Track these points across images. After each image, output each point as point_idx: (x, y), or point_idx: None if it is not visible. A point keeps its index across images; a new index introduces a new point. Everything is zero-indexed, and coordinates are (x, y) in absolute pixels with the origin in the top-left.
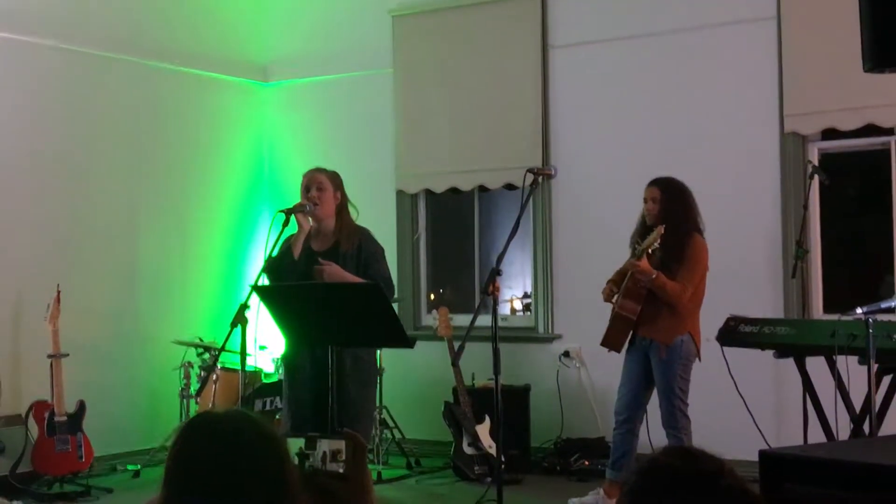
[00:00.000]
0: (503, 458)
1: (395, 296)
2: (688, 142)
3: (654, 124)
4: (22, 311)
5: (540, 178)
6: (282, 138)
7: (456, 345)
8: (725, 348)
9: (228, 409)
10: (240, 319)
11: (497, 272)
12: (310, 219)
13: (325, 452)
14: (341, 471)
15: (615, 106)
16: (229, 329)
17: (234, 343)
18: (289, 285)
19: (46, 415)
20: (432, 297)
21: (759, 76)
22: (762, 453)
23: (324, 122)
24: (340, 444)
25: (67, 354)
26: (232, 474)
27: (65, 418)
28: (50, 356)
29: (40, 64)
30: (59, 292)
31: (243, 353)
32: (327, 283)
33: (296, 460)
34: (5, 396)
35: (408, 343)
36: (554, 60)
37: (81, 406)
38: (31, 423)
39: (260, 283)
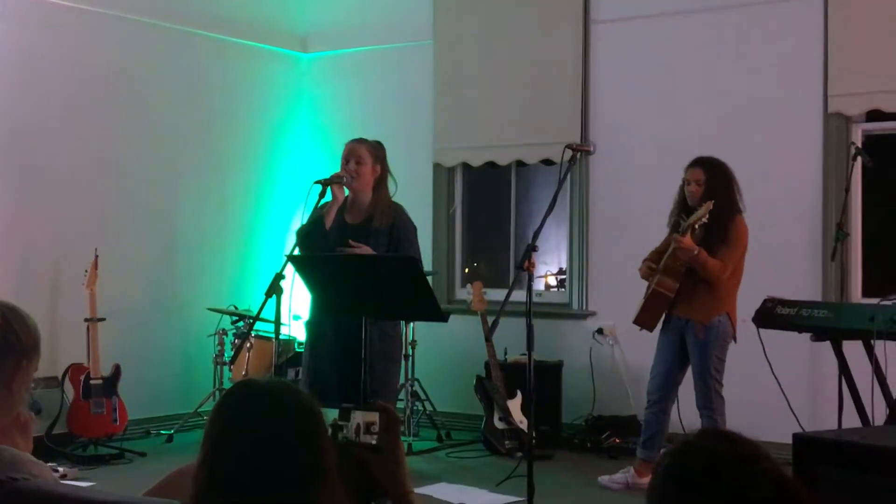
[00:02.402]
0: (534, 434)
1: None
2: (729, 121)
3: (695, 102)
4: (60, 275)
5: (578, 155)
6: (321, 109)
7: (490, 319)
8: (762, 330)
9: (269, 377)
10: (275, 289)
11: (533, 248)
12: (346, 190)
13: (358, 424)
14: (374, 443)
15: (656, 83)
16: (264, 298)
17: (269, 312)
18: (325, 256)
19: (82, 378)
20: (467, 270)
21: (803, 56)
22: (796, 436)
23: (362, 93)
24: (374, 417)
25: (104, 319)
26: (270, 441)
27: (100, 381)
28: (87, 320)
29: (82, 30)
30: (96, 257)
31: (277, 323)
32: (364, 255)
33: (330, 431)
34: (43, 358)
35: (441, 317)
36: (596, 35)
37: (117, 370)
38: (68, 385)
39: (296, 253)
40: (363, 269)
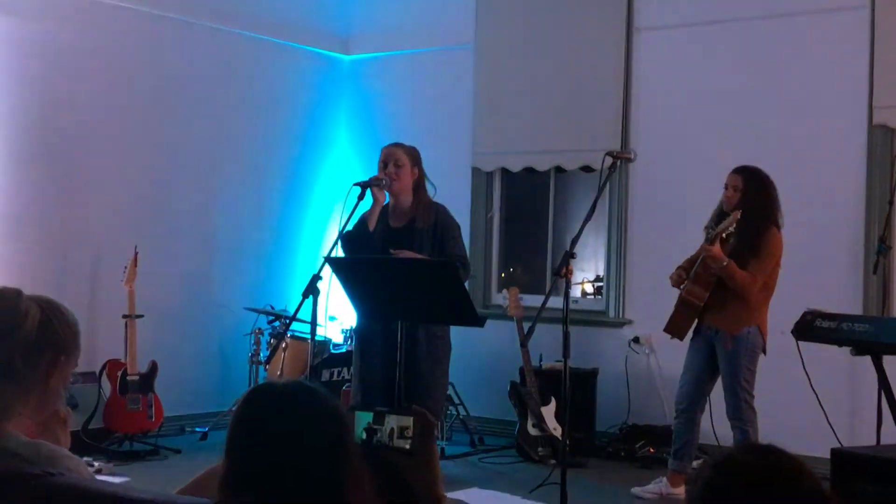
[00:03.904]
0: (568, 442)
1: (472, 273)
2: (771, 131)
3: (737, 112)
4: (100, 271)
5: (618, 162)
6: (360, 111)
7: (525, 326)
8: (801, 343)
9: (291, 378)
10: (312, 290)
11: (571, 255)
12: (386, 193)
13: (392, 428)
14: (408, 447)
15: (698, 92)
16: (301, 299)
17: (306, 313)
18: (362, 258)
19: (119, 374)
20: (504, 275)
21: (848, 66)
22: (834, 451)
23: (403, 96)
24: (408, 421)
25: (142, 315)
26: (291, 442)
27: (137, 377)
28: (125, 317)
29: (127, 28)
30: (136, 254)
31: (314, 324)
32: (401, 259)
33: (364, 435)
34: (81, 354)
35: (478, 322)
36: (638, 43)
37: (153, 366)
38: (105, 381)
39: (334, 255)
40: (399, 272)
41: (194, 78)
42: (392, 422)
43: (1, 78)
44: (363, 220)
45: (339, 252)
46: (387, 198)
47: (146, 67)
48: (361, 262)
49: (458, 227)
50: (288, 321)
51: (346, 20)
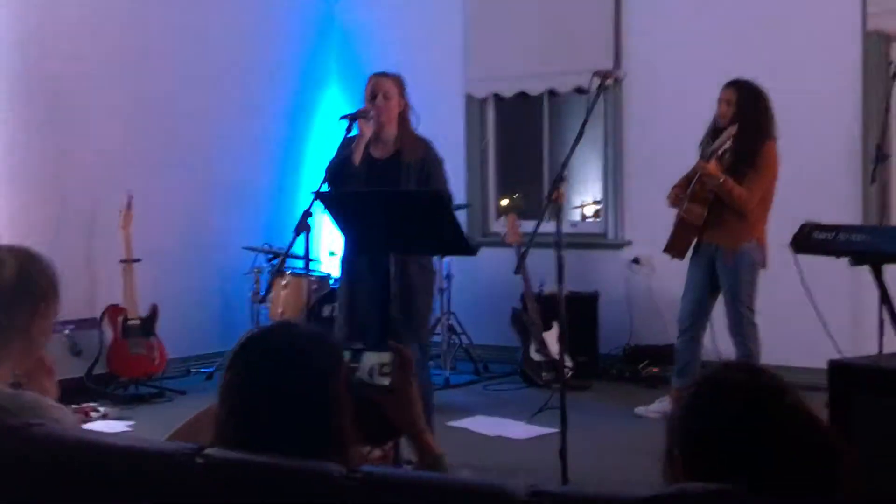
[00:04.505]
0: (570, 366)
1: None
2: (765, 41)
3: (729, 23)
4: (96, 216)
5: (608, 82)
6: (352, 42)
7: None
8: (800, 256)
9: (284, 320)
10: (303, 227)
11: (560, 179)
12: (371, 124)
13: (371, 366)
14: (387, 383)
15: (689, 5)
16: (293, 235)
17: (302, 249)
18: (350, 192)
19: (120, 319)
20: (506, 202)
21: None
22: (831, 363)
23: (393, 24)
24: (387, 357)
25: (139, 260)
26: (285, 385)
27: (138, 322)
28: (122, 261)
29: None
30: (130, 199)
31: (307, 260)
32: (389, 190)
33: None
34: (81, 300)
35: (470, 251)
36: None
37: (154, 310)
38: (106, 327)
39: (323, 190)
40: (389, 204)
41: (184, 19)
42: (370, 359)
43: None
44: (348, 154)
45: (326, 186)
46: (371, 129)
47: (135, 15)
48: (349, 196)
49: (443, 163)
50: (281, 258)
51: None
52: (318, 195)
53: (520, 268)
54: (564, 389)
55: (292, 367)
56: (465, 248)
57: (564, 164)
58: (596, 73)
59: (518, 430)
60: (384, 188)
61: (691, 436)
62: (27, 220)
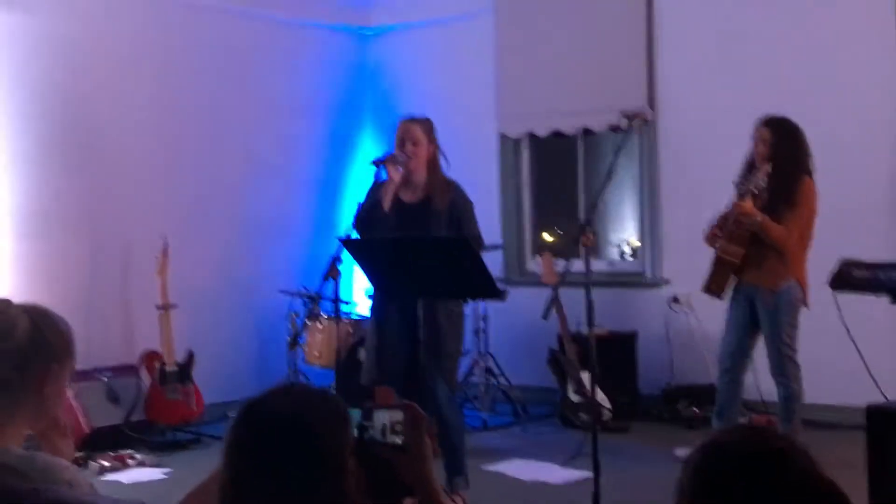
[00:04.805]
0: (608, 407)
1: (485, 249)
2: (802, 76)
3: (765, 58)
4: (131, 262)
5: (635, 122)
6: (385, 84)
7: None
8: (839, 294)
9: (285, 384)
10: (332, 272)
11: (587, 222)
12: (400, 170)
13: (384, 424)
14: (400, 442)
15: (724, 40)
16: (321, 281)
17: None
18: (375, 239)
19: (157, 365)
20: (548, 236)
21: (879, 2)
22: (869, 407)
23: (426, 66)
24: (399, 416)
25: (176, 305)
26: (287, 454)
27: (175, 368)
28: (159, 307)
29: (145, 17)
30: (166, 244)
31: (336, 306)
32: (415, 236)
33: (356, 432)
34: (118, 347)
35: (498, 295)
36: None
37: (190, 355)
38: (143, 373)
39: (350, 236)
40: (415, 250)
41: (219, 63)
42: (383, 417)
43: (25, 74)
44: (377, 199)
45: (355, 233)
46: (400, 175)
47: (170, 56)
48: (375, 243)
49: (472, 206)
50: (311, 302)
51: None
52: (345, 242)
53: (547, 313)
54: (597, 433)
55: (294, 433)
56: (493, 292)
57: (591, 208)
58: (624, 114)
59: (555, 474)
60: (410, 234)
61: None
62: (63, 264)
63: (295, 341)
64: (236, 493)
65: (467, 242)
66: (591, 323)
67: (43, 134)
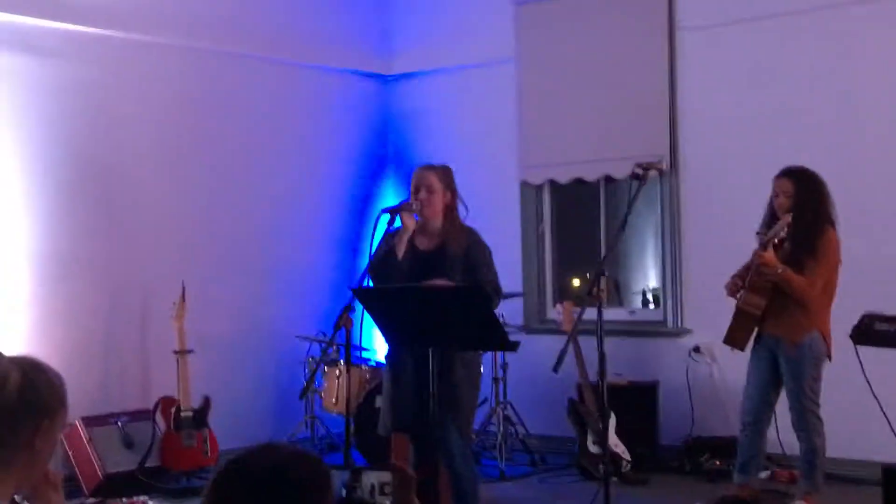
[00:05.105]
0: (627, 458)
1: (502, 297)
2: (823, 128)
3: (787, 110)
4: (149, 307)
5: (651, 173)
6: (406, 130)
7: (583, 341)
8: (860, 347)
9: (267, 444)
10: (343, 321)
11: (600, 273)
12: (416, 217)
13: (372, 485)
14: (388, 503)
15: (747, 91)
16: (333, 330)
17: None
18: (386, 288)
19: (173, 410)
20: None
21: None
22: (885, 467)
23: (447, 112)
24: (387, 477)
25: (192, 351)
26: None
27: (190, 414)
28: (176, 352)
29: (166, 62)
30: (184, 290)
31: (348, 354)
32: (427, 286)
33: (343, 493)
34: (134, 392)
35: (510, 346)
36: (682, 43)
37: (206, 401)
38: (159, 418)
39: (362, 285)
40: (424, 300)
41: (237, 108)
42: (371, 478)
43: (42, 119)
44: (390, 247)
45: (368, 280)
46: (415, 222)
47: (191, 101)
48: (386, 292)
49: (490, 252)
50: (325, 349)
51: (388, 39)
52: (355, 291)
53: (558, 366)
54: (608, 485)
55: (275, 492)
56: (504, 344)
57: (603, 259)
58: (638, 164)
59: None
60: (418, 283)
61: None
62: (82, 308)
63: (308, 388)
64: None
65: (478, 290)
66: (602, 373)
67: (63, 178)
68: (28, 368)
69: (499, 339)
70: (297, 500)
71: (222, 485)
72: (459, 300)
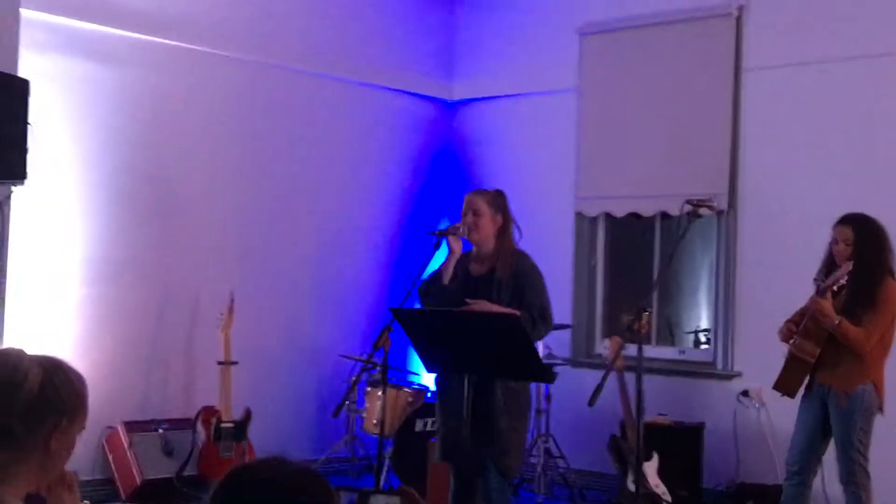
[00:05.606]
0: (666, 500)
1: (552, 323)
2: (887, 176)
3: (850, 155)
4: (197, 316)
5: (701, 211)
6: (464, 155)
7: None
8: None
9: (273, 456)
10: (382, 341)
11: (642, 308)
12: (464, 242)
13: None
14: None
15: (810, 134)
16: (372, 349)
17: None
18: (423, 311)
19: (213, 420)
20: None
21: None
22: None
23: (506, 140)
24: (396, 501)
25: (237, 362)
26: None
27: (231, 425)
28: (220, 363)
29: (221, 73)
30: (232, 301)
31: (384, 374)
32: (463, 312)
33: None
34: (177, 399)
35: (547, 377)
36: (747, 83)
37: (248, 413)
38: (199, 428)
39: (402, 306)
40: (463, 325)
41: (295, 124)
42: (379, 501)
43: (101, 125)
44: (440, 272)
45: (417, 303)
46: (464, 248)
47: (250, 114)
48: (424, 315)
49: (540, 275)
50: (362, 370)
51: (451, 64)
52: (395, 311)
53: (594, 399)
54: None
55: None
56: (542, 373)
57: (649, 294)
58: (688, 201)
59: None
60: (451, 308)
61: None
62: (130, 313)
63: (342, 405)
64: None
65: (516, 321)
66: (639, 411)
67: (119, 185)
68: (49, 367)
69: (536, 369)
70: None
71: (226, 492)
72: (495, 327)
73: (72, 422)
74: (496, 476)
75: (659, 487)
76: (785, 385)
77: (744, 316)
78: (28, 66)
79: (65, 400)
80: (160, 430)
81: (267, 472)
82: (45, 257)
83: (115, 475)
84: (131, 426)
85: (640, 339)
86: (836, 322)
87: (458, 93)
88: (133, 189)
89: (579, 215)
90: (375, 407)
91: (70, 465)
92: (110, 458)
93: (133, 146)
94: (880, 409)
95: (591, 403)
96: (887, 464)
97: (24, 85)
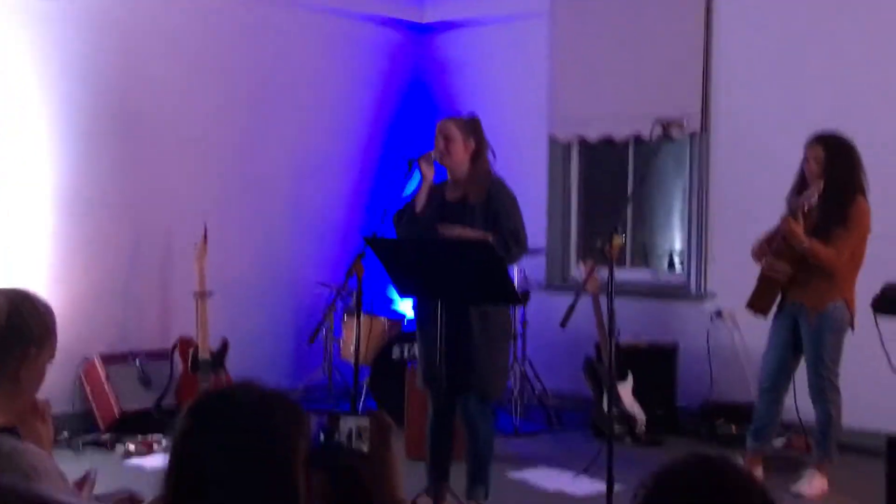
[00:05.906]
0: (641, 419)
1: (526, 247)
2: (860, 95)
3: (823, 74)
4: (171, 247)
5: (671, 131)
6: (436, 79)
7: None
8: (880, 318)
9: (244, 380)
10: (355, 268)
11: (614, 231)
12: (434, 168)
13: (350, 429)
14: (365, 449)
15: (783, 55)
16: (345, 277)
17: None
18: (395, 239)
19: (190, 351)
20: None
21: None
22: (889, 438)
23: (478, 64)
24: (365, 422)
25: (213, 293)
26: (240, 453)
27: (208, 355)
28: (195, 294)
29: (189, 5)
30: (205, 231)
31: (358, 301)
32: (434, 238)
33: (322, 436)
34: (153, 331)
35: (518, 300)
36: (719, 3)
37: (224, 344)
38: (176, 358)
39: (374, 234)
40: (434, 252)
41: (266, 52)
42: (349, 423)
43: (72, 54)
44: (413, 199)
45: (394, 232)
46: (438, 174)
47: (216, 44)
48: (396, 244)
49: (514, 199)
50: (335, 296)
51: None
52: (367, 240)
53: (565, 321)
54: (612, 446)
55: (247, 430)
56: (513, 297)
57: (619, 216)
58: (659, 121)
59: (579, 485)
60: (425, 236)
61: None
62: (104, 246)
63: (316, 333)
64: (181, 482)
65: (486, 244)
66: (611, 332)
67: (89, 116)
68: (15, 297)
69: (506, 293)
70: (270, 437)
71: (196, 416)
72: (466, 253)
73: (40, 350)
74: (476, 400)
75: (634, 407)
76: (757, 304)
77: (717, 237)
78: None
79: (32, 329)
80: (137, 362)
81: (235, 396)
82: (16, 191)
83: (94, 407)
84: (108, 358)
85: (612, 262)
86: (806, 245)
87: (429, 16)
88: (103, 119)
89: (553, 140)
90: (352, 335)
91: (49, 399)
92: (88, 390)
93: (101, 76)
94: (851, 326)
95: (562, 324)
96: (857, 380)
97: None
